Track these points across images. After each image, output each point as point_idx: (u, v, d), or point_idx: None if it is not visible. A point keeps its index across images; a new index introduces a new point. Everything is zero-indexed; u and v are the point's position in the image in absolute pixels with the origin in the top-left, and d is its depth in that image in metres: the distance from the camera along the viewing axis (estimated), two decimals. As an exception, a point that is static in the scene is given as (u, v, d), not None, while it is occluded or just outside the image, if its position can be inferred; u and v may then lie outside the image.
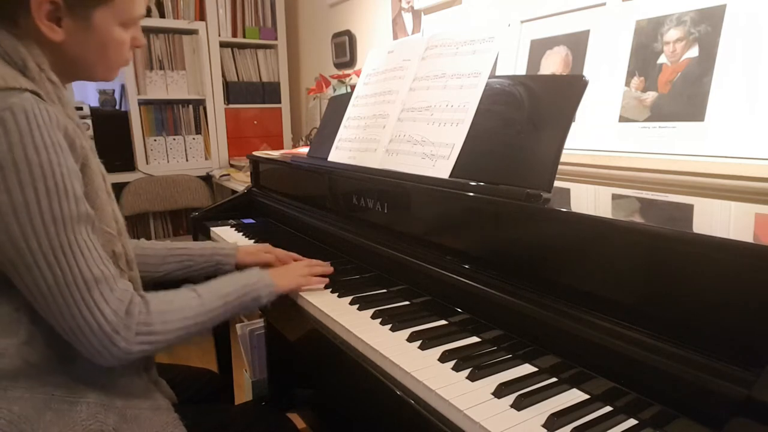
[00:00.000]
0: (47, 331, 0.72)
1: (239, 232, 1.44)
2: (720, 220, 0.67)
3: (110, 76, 0.82)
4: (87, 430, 0.72)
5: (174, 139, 2.83)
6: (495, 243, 0.79)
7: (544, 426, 0.56)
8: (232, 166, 2.89)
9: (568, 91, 0.78)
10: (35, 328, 0.72)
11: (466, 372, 0.66)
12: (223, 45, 2.84)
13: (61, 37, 0.73)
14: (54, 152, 0.67)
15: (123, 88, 2.75)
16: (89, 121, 2.58)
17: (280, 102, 3.05)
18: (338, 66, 2.58)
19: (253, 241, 1.35)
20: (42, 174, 0.65)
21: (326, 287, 0.98)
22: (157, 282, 1.06)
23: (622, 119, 1.02)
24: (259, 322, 1.73)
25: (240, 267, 1.10)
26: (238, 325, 1.72)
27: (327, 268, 1.02)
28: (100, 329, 0.69)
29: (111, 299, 0.70)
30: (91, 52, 0.77)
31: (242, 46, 2.92)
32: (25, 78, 0.69)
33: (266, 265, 1.07)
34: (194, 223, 1.63)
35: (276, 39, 2.97)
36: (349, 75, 2.19)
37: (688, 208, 0.73)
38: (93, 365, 0.73)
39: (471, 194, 0.82)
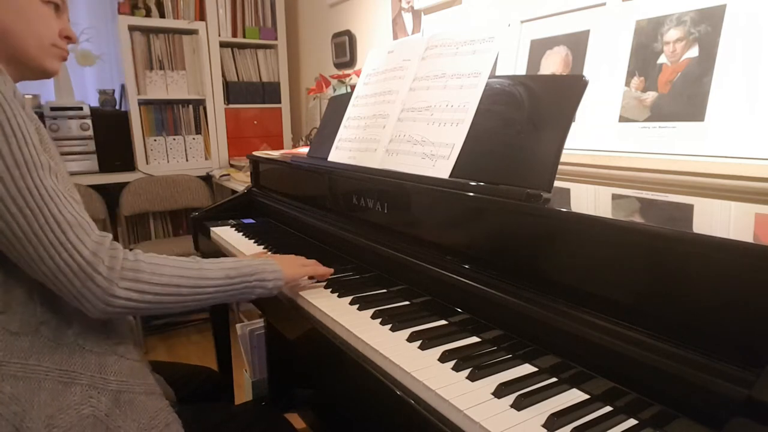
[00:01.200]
0: (42, 303, 0.72)
1: (239, 232, 1.44)
2: (720, 220, 0.67)
3: (49, 60, 0.81)
4: (79, 415, 0.72)
5: (174, 139, 2.83)
6: (495, 243, 0.79)
7: (544, 426, 0.56)
8: (232, 166, 2.89)
9: (568, 91, 0.78)
10: (28, 299, 0.72)
11: (466, 372, 0.66)
12: (223, 45, 2.84)
13: None
14: (8, 105, 0.67)
15: (123, 88, 2.75)
16: (89, 121, 2.58)
17: (280, 102, 3.05)
18: (338, 66, 2.58)
19: (253, 241, 1.35)
20: None
21: (326, 287, 0.98)
22: None
23: (622, 119, 1.02)
24: (259, 322, 1.74)
25: None
26: (238, 325, 1.72)
27: (328, 270, 1.01)
28: (79, 268, 0.68)
29: (88, 241, 0.69)
30: (11, 19, 0.76)
31: (242, 46, 2.92)
32: None
33: None
34: (194, 223, 1.63)
35: (276, 39, 2.97)
36: (349, 75, 2.19)
37: (688, 208, 0.73)
38: (87, 340, 0.74)
39: (471, 194, 0.82)
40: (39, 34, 0.79)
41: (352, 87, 1.53)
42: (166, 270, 0.76)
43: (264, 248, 1.26)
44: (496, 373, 0.67)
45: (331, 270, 1.01)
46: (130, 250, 0.75)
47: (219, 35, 2.81)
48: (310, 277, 0.98)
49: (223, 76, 2.88)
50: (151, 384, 0.83)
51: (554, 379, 0.65)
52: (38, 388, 0.70)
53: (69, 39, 0.84)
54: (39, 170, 0.68)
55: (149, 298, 0.74)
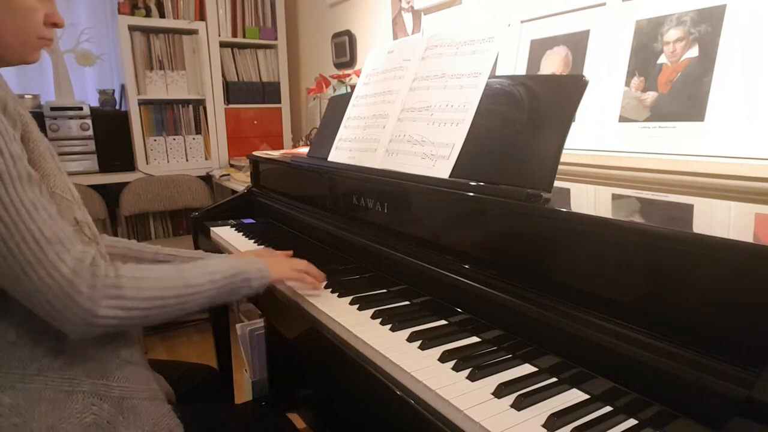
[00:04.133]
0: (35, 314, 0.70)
1: (239, 232, 1.44)
2: (720, 220, 0.67)
3: (30, 52, 0.77)
4: (81, 424, 0.71)
5: (174, 139, 2.83)
6: (495, 243, 0.79)
7: (544, 426, 0.56)
8: (232, 166, 2.89)
9: (568, 91, 0.78)
10: (21, 310, 0.69)
11: (466, 372, 0.66)
12: (223, 45, 2.84)
13: None
14: None
15: (123, 88, 2.75)
16: (89, 121, 2.58)
17: (280, 102, 3.05)
18: (338, 66, 2.58)
19: (253, 241, 1.35)
20: None
21: (326, 287, 0.98)
22: None
23: (622, 119, 1.02)
24: (259, 322, 1.73)
25: None
26: (238, 325, 1.72)
27: (321, 274, 0.98)
28: (59, 287, 0.64)
29: (67, 259, 0.66)
30: None
31: (242, 46, 2.92)
32: None
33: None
34: (194, 223, 1.63)
35: (276, 39, 2.97)
36: (349, 75, 2.19)
37: (688, 208, 0.73)
38: (89, 346, 0.72)
39: (471, 194, 0.82)
40: (24, 27, 0.75)
41: (352, 87, 1.53)
42: (148, 283, 0.73)
43: (264, 248, 1.26)
44: (496, 373, 0.67)
45: (323, 275, 0.97)
46: (109, 263, 0.72)
47: (219, 35, 2.81)
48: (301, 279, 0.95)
49: (223, 76, 2.88)
50: (154, 389, 0.82)
51: (554, 379, 0.65)
52: (38, 398, 0.69)
53: (55, 25, 0.79)
54: (15, 182, 0.64)
55: (134, 314, 0.71)
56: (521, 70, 1.27)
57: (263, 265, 0.89)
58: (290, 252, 1.10)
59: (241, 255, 1.12)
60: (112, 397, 0.75)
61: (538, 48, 1.24)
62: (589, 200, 0.83)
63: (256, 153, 1.77)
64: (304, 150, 1.60)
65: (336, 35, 2.55)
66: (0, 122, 0.64)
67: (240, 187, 2.13)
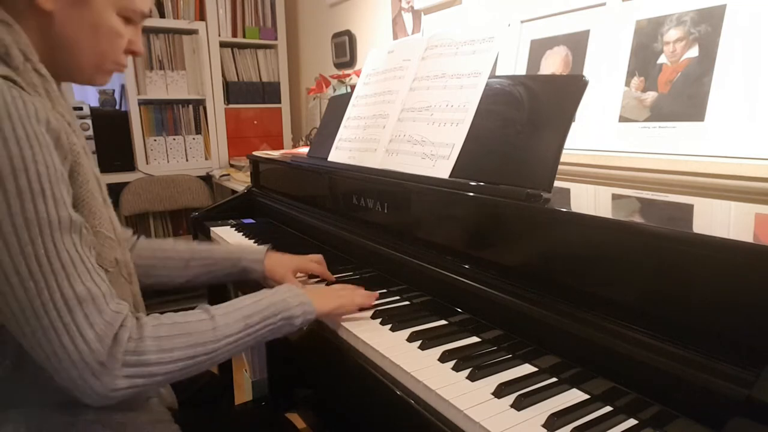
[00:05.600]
0: None
1: (239, 232, 1.44)
2: (720, 220, 0.67)
3: (101, 75, 0.74)
4: None
5: (174, 139, 2.82)
6: (495, 243, 0.79)
7: (544, 426, 0.56)
8: (232, 166, 2.89)
9: (568, 91, 0.78)
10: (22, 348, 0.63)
11: (466, 372, 0.66)
12: (223, 45, 2.84)
13: (51, 6, 0.65)
14: (29, 146, 0.57)
15: (123, 88, 2.75)
16: (89, 121, 2.58)
17: (280, 102, 3.05)
18: (338, 66, 2.58)
19: (253, 241, 1.35)
20: (12, 170, 0.55)
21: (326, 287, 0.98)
22: (178, 288, 1.00)
23: (622, 119, 1.02)
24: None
25: (267, 277, 1.02)
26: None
27: (371, 298, 0.87)
28: (81, 358, 0.58)
29: (98, 322, 0.59)
30: (82, 33, 0.68)
31: (242, 46, 2.92)
32: (4, 65, 0.62)
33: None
34: (194, 223, 1.63)
35: (276, 39, 2.97)
36: (349, 75, 2.19)
37: (688, 208, 0.73)
38: None
39: (471, 194, 0.82)
40: (103, 52, 0.71)
41: (352, 87, 1.53)
42: (175, 342, 0.65)
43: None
44: (496, 373, 0.67)
45: (376, 295, 0.87)
46: (136, 318, 0.65)
47: (219, 35, 2.81)
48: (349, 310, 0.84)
49: (223, 76, 2.88)
50: (159, 412, 0.81)
51: (554, 379, 0.65)
52: (41, 428, 0.67)
53: (134, 53, 0.75)
54: (54, 232, 0.58)
55: (159, 379, 0.64)
56: (521, 70, 1.27)
57: (305, 297, 0.79)
58: (320, 256, 1.04)
59: (271, 258, 1.03)
60: (114, 422, 0.72)
61: (538, 48, 1.24)
62: (589, 200, 0.83)
63: (256, 153, 1.77)
64: (304, 150, 1.60)
65: (336, 35, 2.55)
66: (46, 158, 0.58)
67: (240, 187, 2.13)
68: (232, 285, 1.01)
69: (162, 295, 2.70)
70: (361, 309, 0.85)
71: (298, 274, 1.05)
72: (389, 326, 0.80)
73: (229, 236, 1.41)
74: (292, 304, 0.77)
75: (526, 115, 0.82)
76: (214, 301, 1.71)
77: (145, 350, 0.62)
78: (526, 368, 0.68)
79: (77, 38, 0.69)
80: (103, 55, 0.71)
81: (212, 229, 1.50)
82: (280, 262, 1.03)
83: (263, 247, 1.06)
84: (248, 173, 1.95)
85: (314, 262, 1.04)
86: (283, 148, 2.88)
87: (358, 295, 0.86)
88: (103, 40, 0.70)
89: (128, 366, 0.61)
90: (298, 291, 0.79)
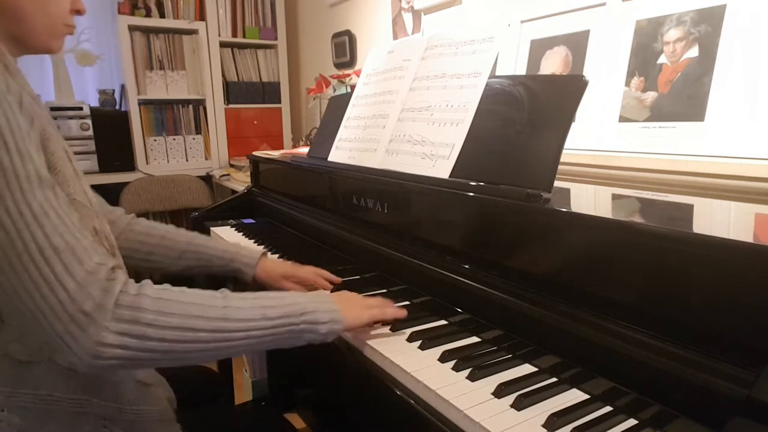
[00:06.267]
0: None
1: (239, 232, 1.44)
2: (720, 220, 0.67)
3: (56, 40, 0.73)
4: None
5: (174, 139, 2.83)
6: (495, 243, 0.79)
7: (544, 426, 0.56)
8: (232, 166, 2.89)
9: (568, 91, 0.78)
10: (34, 330, 0.62)
11: (466, 372, 0.66)
12: (223, 45, 2.84)
13: None
14: None
15: (123, 88, 2.75)
16: (89, 121, 2.58)
17: (280, 102, 3.05)
18: (338, 66, 2.58)
19: (253, 241, 1.35)
20: None
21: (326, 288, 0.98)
22: (175, 277, 0.97)
23: (622, 119, 1.02)
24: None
25: (257, 283, 1.02)
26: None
27: (399, 311, 0.80)
28: (63, 309, 0.54)
29: (77, 271, 0.56)
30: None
31: (242, 46, 2.92)
32: None
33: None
34: (194, 223, 1.63)
35: (276, 39, 2.97)
36: (349, 75, 2.19)
37: (688, 208, 0.73)
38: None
39: (471, 194, 0.82)
40: (51, 14, 0.70)
41: (352, 87, 1.53)
42: (177, 307, 0.60)
43: (264, 248, 1.26)
44: (496, 373, 0.67)
45: (404, 312, 0.81)
46: (137, 282, 0.61)
47: (219, 35, 2.81)
48: (376, 322, 0.78)
49: (223, 76, 2.88)
50: (166, 409, 0.80)
51: (554, 379, 0.65)
52: (49, 419, 0.66)
53: (78, 12, 0.74)
54: (23, 182, 0.56)
55: (153, 345, 0.58)
56: (521, 70, 1.27)
57: (334, 304, 0.71)
58: (325, 273, 1.00)
59: (264, 265, 1.01)
60: (123, 420, 0.72)
61: (538, 48, 1.24)
62: (589, 200, 0.83)
63: (256, 153, 1.77)
64: (304, 150, 1.60)
65: (336, 35, 2.55)
66: (12, 116, 0.57)
67: (240, 187, 2.13)
68: (232, 285, 1.00)
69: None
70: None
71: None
72: (389, 326, 0.80)
73: (229, 236, 1.41)
74: (320, 308, 0.69)
75: (526, 115, 0.82)
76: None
77: (142, 306, 0.58)
78: (526, 368, 0.68)
79: (24, 6, 0.68)
80: (52, 17, 0.71)
81: (212, 229, 1.50)
82: (271, 269, 1.03)
83: (258, 251, 1.05)
84: (248, 173, 1.95)
85: (308, 270, 1.01)
86: (283, 148, 2.88)
87: (389, 310, 0.79)
88: (48, 2, 0.69)
89: (120, 320, 0.56)
90: (327, 297, 0.73)
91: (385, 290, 0.96)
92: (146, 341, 0.57)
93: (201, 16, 2.77)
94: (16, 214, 0.55)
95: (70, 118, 2.55)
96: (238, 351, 0.65)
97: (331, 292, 0.96)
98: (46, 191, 0.58)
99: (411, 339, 0.76)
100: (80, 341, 0.55)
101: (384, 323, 0.78)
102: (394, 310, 0.80)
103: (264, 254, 1.05)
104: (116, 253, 0.77)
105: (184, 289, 0.63)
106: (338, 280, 1.00)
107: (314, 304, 0.70)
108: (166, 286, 0.63)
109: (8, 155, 0.55)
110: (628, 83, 1.03)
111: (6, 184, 0.55)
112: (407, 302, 0.91)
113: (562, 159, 0.76)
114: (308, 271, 1.01)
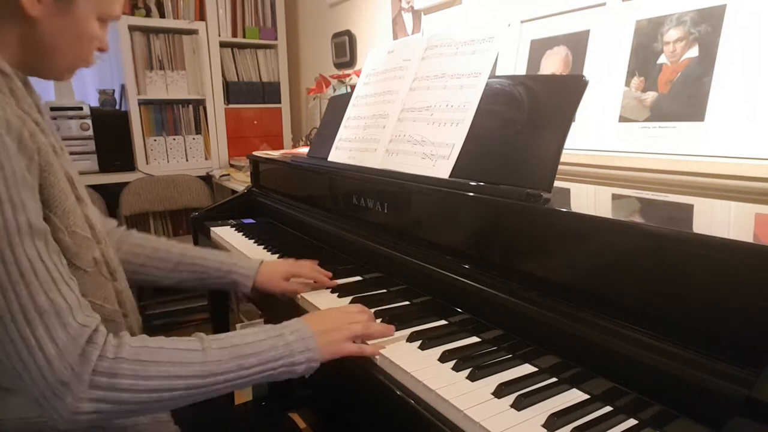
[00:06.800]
0: None
1: (239, 232, 1.44)
2: (720, 220, 0.67)
3: (68, 74, 0.75)
4: None
5: (174, 139, 2.82)
6: (495, 243, 0.79)
7: (544, 426, 0.56)
8: (232, 166, 2.89)
9: (568, 91, 0.78)
10: None
11: (466, 372, 0.66)
12: (223, 45, 2.84)
13: (38, 13, 0.65)
14: None
15: (123, 88, 2.75)
16: (89, 121, 2.58)
17: (280, 102, 3.05)
18: (338, 66, 2.58)
19: (252, 241, 1.35)
20: None
21: (326, 288, 0.98)
22: (170, 289, 0.97)
23: (622, 119, 1.02)
24: (259, 322, 1.73)
25: (257, 290, 1.01)
26: (237, 325, 1.72)
27: (389, 330, 0.78)
28: (41, 375, 0.55)
29: (60, 337, 0.56)
30: (65, 40, 0.69)
31: (242, 46, 2.92)
32: None
33: (294, 292, 0.97)
34: (194, 223, 1.63)
35: (276, 39, 2.97)
36: (349, 75, 2.19)
37: (688, 208, 0.73)
38: None
39: (471, 194, 0.82)
40: (82, 53, 0.72)
41: (352, 87, 1.53)
42: (154, 369, 0.60)
43: (264, 248, 1.26)
44: (496, 373, 0.67)
45: (392, 328, 0.78)
46: (119, 336, 0.61)
47: (219, 35, 2.81)
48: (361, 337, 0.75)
49: (223, 76, 2.88)
50: (159, 413, 0.80)
51: (554, 379, 0.65)
52: None
53: (101, 50, 0.76)
54: (13, 237, 0.55)
55: (129, 408, 0.59)
56: (521, 70, 1.27)
57: (312, 340, 0.71)
58: (319, 269, 1.01)
59: (264, 271, 1.00)
60: (116, 428, 0.72)
61: (538, 48, 1.24)
62: (589, 200, 0.83)
63: (256, 153, 1.77)
64: (304, 150, 1.60)
65: (336, 35, 2.55)
66: (8, 163, 0.56)
67: (240, 187, 2.13)
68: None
69: (162, 294, 2.71)
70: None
71: (303, 279, 1.01)
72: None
73: (229, 236, 1.41)
74: (296, 349, 0.69)
75: (526, 115, 0.82)
76: (214, 302, 1.71)
77: (119, 372, 0.58)
78: (526, 368, 0.68)
79: (60, 44, 0.69)
80: (80, 56, 0.73)
81: (212, 229, 1.50)
82: (272, 272, 1.01)
83: (256, 262, 1.02)
84: (248, 173, 1.95)
85: (306, 267, 1.01)
86: (283, 148, 2.88)
87: (374, 326, 0.77)
88: (83, 43, 0.71)
89: (96, 388, 0.57)
90: (306, 332, 0.71)
91: (385, 290, 0.96)
92: (122, 405, 0.59)
93: (201, 16, 2.77)
94: (2, 273, 0.54)
95: (70, 118, 2.55)
96: (211, 395, 0.65)
97: (330, 292, 0.96)
98: (37, 242, 0.57)
99: (411, 339, 0.76)
100: (57, 408, 0.56)
101: (370, 339, 0.76)
102: (380, 327, 0.78)
103: (262, 261, 1.03)
104: (118, 276, 0.76)
105: (161, 343, 0.63)
106: (330, 275, 0.99)
107: (291, 346, 0.69)
108: (144, 338, 0.63)
109: (1, 208, 0.55)
110: (628, 83, 1.03)
111: None
112: (407, 302, 0.91)
113: (562, 159, 0.76)
114: (307, 269, 1.01)
